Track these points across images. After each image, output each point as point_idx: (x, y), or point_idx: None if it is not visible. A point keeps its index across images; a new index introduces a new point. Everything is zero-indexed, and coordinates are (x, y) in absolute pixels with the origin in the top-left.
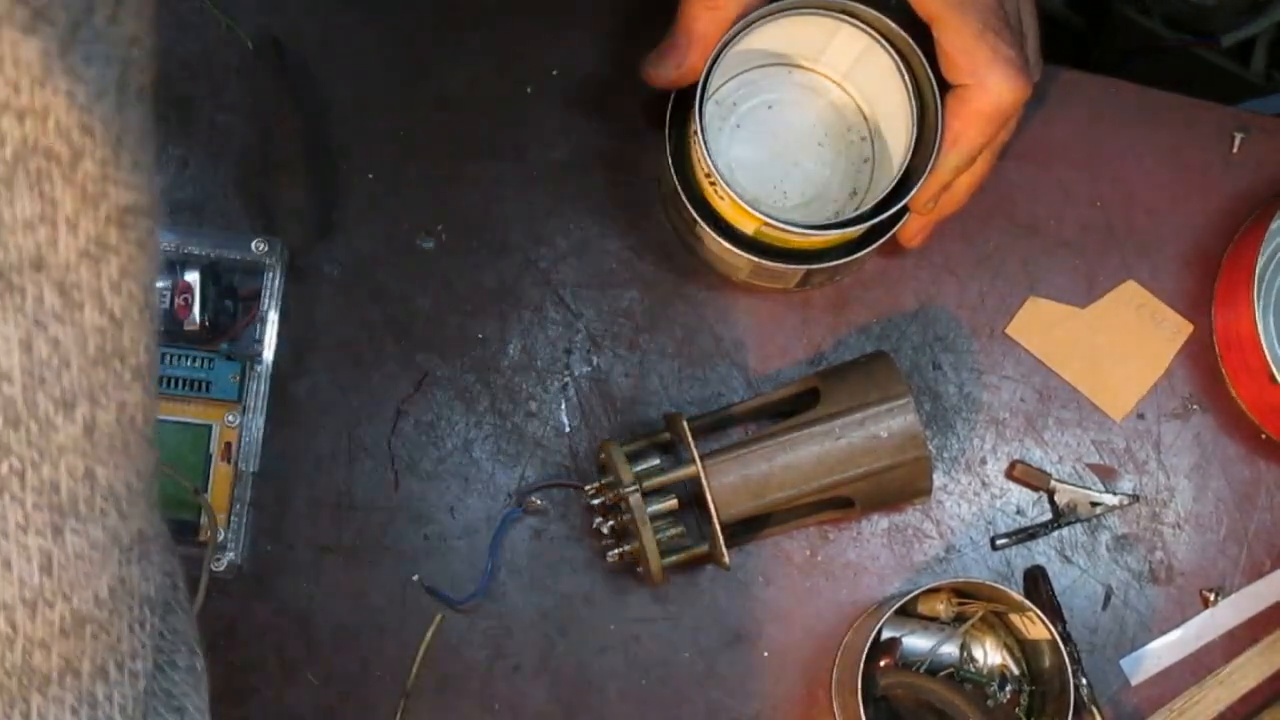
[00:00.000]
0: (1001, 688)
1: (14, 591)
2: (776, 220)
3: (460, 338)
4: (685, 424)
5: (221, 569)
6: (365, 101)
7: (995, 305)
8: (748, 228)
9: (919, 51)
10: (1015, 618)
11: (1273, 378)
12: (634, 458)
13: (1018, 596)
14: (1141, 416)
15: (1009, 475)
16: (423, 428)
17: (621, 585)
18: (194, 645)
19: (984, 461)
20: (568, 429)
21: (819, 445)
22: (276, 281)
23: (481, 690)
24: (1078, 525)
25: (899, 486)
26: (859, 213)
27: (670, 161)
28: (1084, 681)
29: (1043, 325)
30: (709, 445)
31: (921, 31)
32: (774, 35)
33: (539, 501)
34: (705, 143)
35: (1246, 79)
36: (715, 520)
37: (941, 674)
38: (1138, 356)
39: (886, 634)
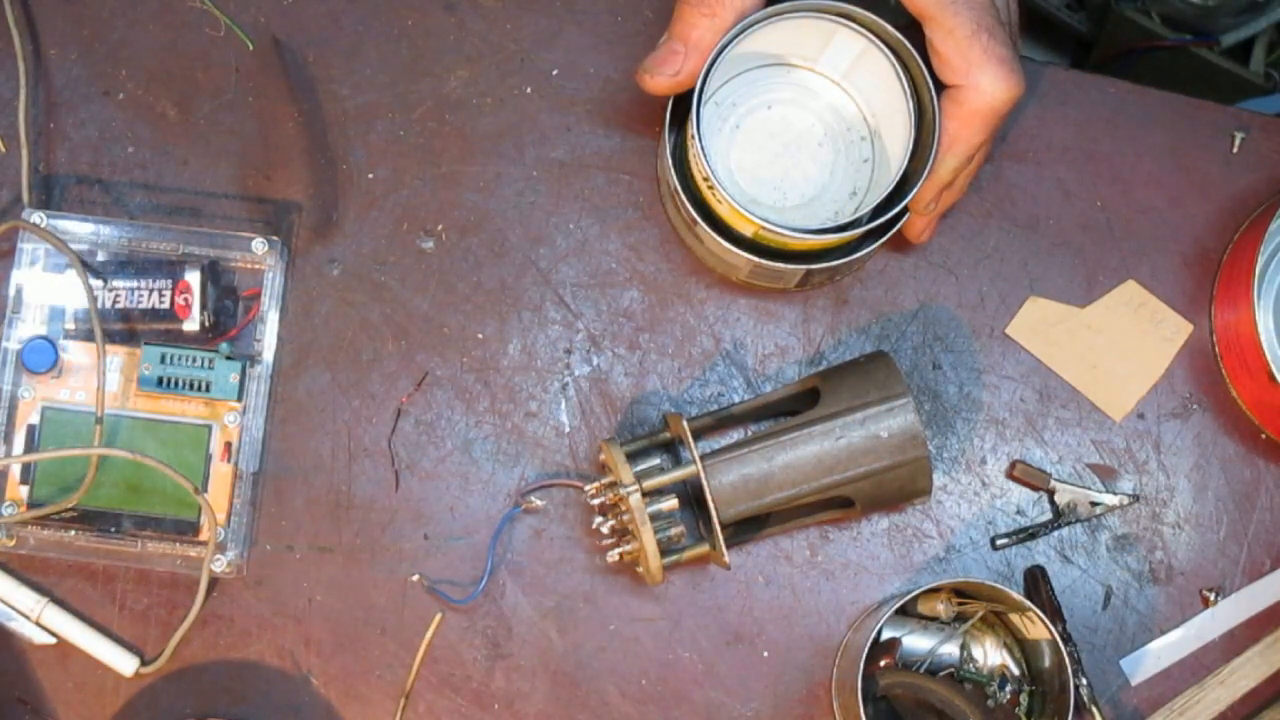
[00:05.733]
0: (1001, 687)
1: None
2: (774, 225)
3: (460, 337)
4: (685, 424)
5: (221, 569)
6: (365, 101)
7: (995, 305)
8: (746, 230)
9: (915, 53)
10: (1015, 618)
11: (1272, 377)
12: (634, 458)
13: (1018, 596)
14: (1141, 416)
15: (1009, 475)
16: (422, 427)
17: (621, 585)
18: None
19: (984, 461)
20: (568, 429)
21: (819, 445)
22: (276, 281)
23: (481, 690)
24: (1078, 525)
25: (899, 486)
26: (856, 216)
27: (669, 161)
28: (1084, 681)
29: (1043, 325)
30: (709, 445)
31: (918, 31)
32: (772, 37)
33: (539, 501)
34: (703, 148)
35: (1246, 79)
36: (715, 520)
37: (941, 674)
38: (1137, 356)
39: (886, 634)
